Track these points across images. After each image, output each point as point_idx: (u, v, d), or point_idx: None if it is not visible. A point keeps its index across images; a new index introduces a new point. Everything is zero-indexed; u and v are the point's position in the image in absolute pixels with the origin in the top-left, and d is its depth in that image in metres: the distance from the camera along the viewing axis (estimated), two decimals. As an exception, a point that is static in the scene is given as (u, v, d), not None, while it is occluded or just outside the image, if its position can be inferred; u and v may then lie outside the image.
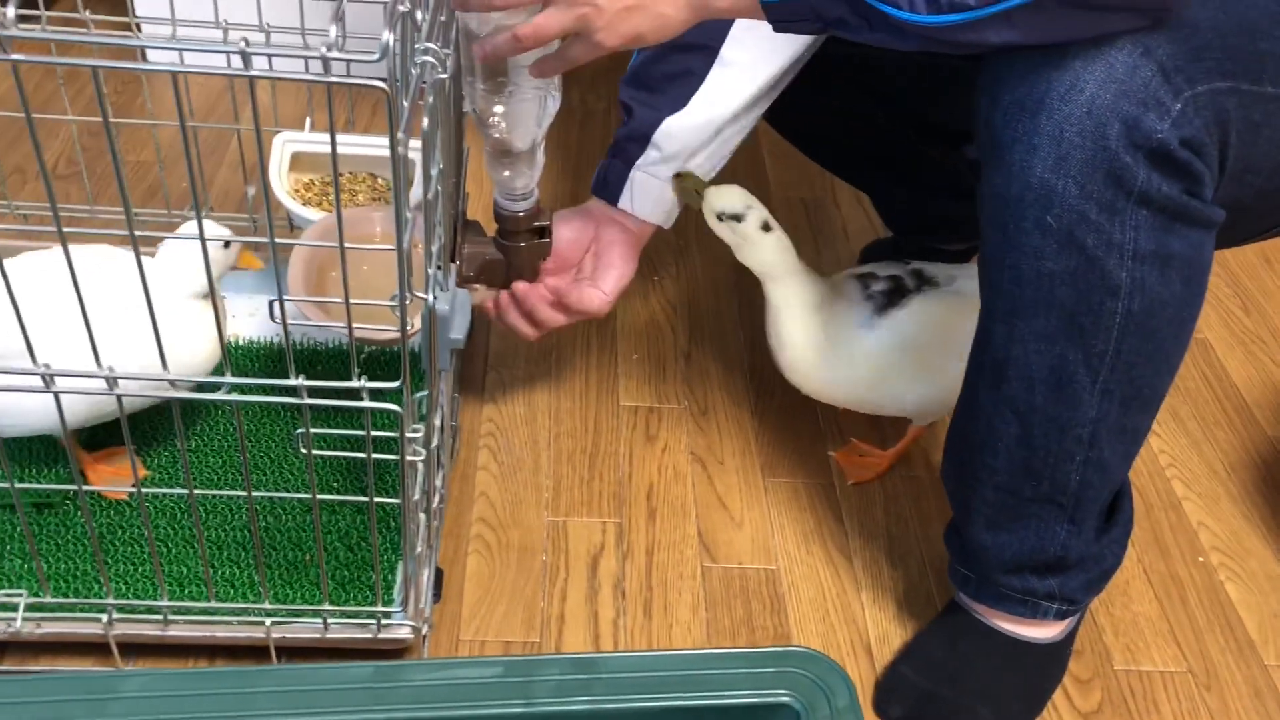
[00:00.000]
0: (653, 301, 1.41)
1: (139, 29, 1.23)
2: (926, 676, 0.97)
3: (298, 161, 1.30)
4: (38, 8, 1.13)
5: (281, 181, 1.26)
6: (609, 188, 1.11)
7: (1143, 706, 1.00)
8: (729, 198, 1.06)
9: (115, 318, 0.82)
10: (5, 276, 0.71)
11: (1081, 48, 0.76)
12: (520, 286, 1.06)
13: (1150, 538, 1.16)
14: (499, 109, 0.96)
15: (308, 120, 1.30)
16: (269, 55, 0.67)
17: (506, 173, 1.01)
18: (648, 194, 1.10)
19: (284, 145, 1.28)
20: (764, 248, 1.06)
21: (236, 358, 1.19)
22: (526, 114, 0.96)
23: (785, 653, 0.72)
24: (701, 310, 1.40)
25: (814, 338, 1.07)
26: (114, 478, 1.02)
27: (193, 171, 0.66)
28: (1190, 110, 0.75)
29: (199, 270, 1.00)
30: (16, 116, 1.47)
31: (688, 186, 1.07)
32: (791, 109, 1.12)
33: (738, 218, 1.05)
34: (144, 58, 1.60)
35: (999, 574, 0.94)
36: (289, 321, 0.74)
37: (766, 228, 1.05)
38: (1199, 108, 0.76)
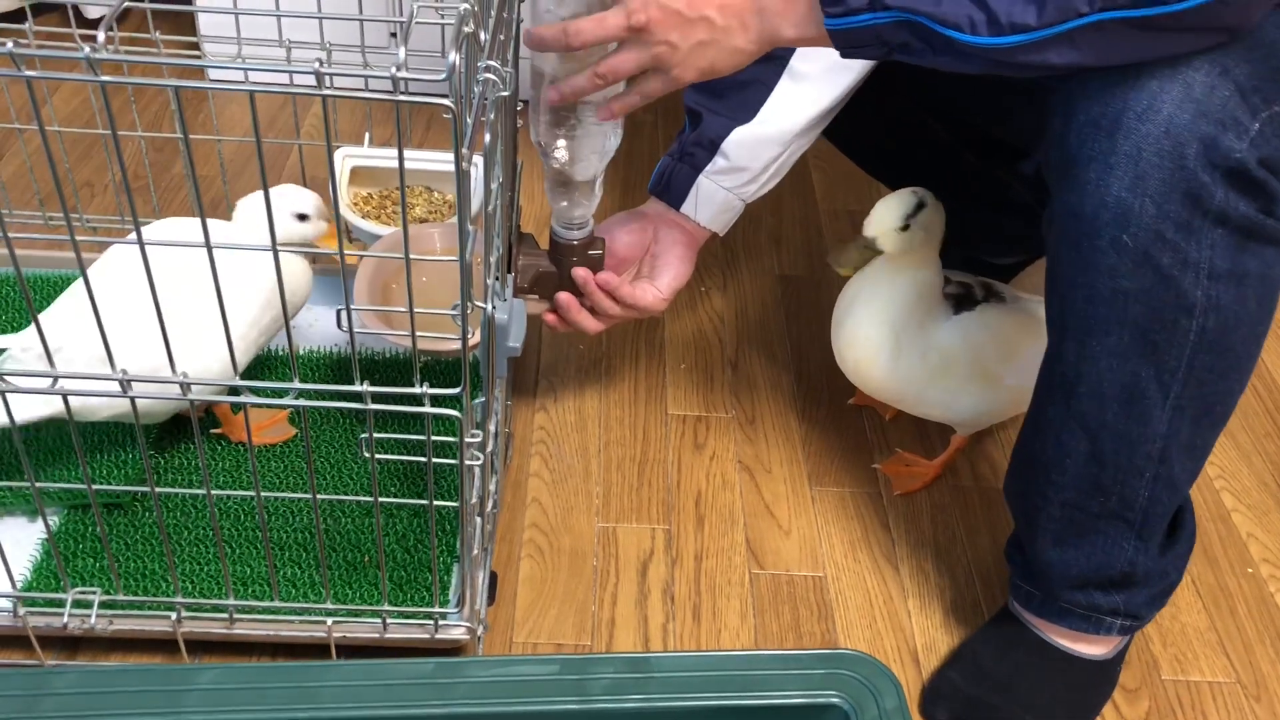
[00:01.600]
0: (700, 312, 1.43)
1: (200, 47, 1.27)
2: (975, 683, 0.98)
3: (356, 175, 1.34)
4: (109, 28, 1.18)
5: (341, 195, 1.29)
6: (672, 191, 1.11)
7: (1191, 717, 1.00)
8: (900, 202, 1.02)
9: (193, 316, 0.85)
10: (88, 285, 0.74)
11: (1157, 66, 0.76)
12: (580, 274, 1.06)
13: (1199, 548, 1.16)
14: (562, 142, 0.98)
15: (367, 135, 1.33)
16: (335, 75, 0.69)
17: (565, 202, 1.03)
18: (712, 201, 1.11)
19: (344, 159, 1.32)
20: (935, 224, 1.03)
21: (298, 365, 1.22)
22: (589, 148, 0.99)
23: (834, 654, 0.73)
24: (748, 320, 1.42)
25: (895, 324, 1.06)
26: (270, 427, 1.13)
27: (266, 185, 0.69)
28: (1268, 130, 0.75)
29: (280, 226, 1.08)
30: (85, 133, 1.53)
31: (870, 246, 1.03)
32: (849, 120, 1.13)
33: (921, 205, 1.02)
34: (206, 76, 1.65)
35: (1064, 590, 0.94)
36: (354, 331, 0.77)
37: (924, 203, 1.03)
38: (1276, 127, 0.76)
